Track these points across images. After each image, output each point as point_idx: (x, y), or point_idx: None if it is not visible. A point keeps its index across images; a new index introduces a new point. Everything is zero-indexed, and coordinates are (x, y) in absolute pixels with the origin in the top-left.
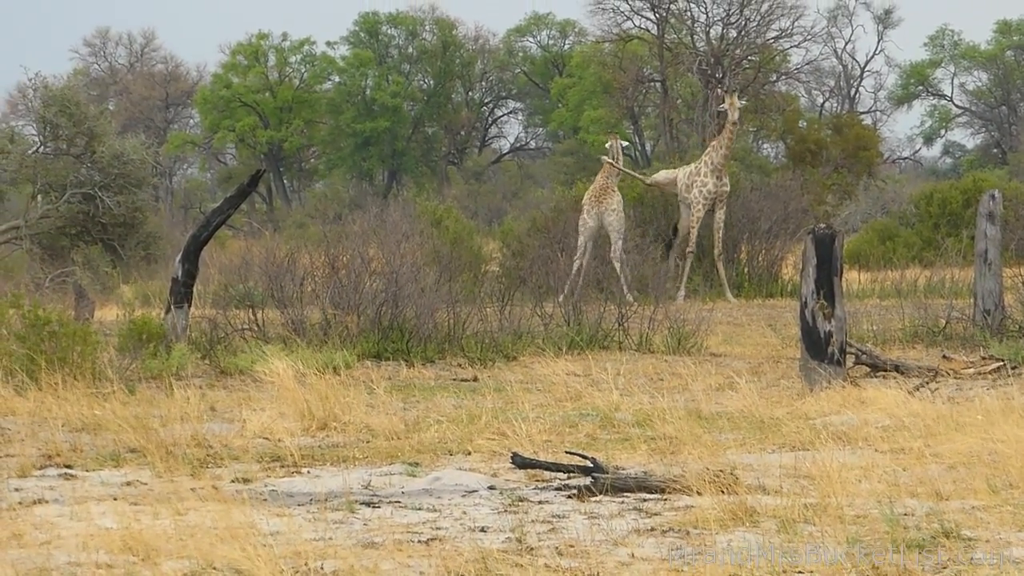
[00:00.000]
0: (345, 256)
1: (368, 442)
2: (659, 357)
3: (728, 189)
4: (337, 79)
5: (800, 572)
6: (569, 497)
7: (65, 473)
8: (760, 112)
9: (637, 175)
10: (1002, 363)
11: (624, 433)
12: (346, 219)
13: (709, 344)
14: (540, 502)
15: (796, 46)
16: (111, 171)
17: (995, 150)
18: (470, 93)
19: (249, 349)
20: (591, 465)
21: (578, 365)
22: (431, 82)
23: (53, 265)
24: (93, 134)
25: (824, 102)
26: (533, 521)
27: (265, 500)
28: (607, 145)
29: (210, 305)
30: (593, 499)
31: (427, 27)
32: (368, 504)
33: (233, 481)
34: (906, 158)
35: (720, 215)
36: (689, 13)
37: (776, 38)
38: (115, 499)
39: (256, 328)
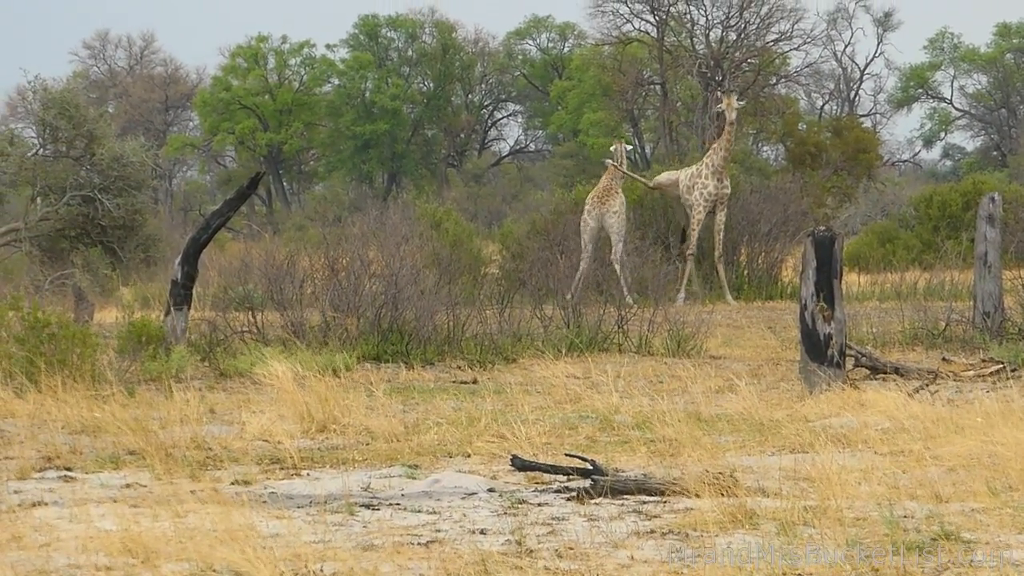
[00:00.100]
0: (345, 258)
1: (367, 444)
2: (659, 359)
3: (729, 191)
4: (337, 82)
5: (800, 574)
6: (569, 499)
7: (65, 475)
8: (760, 115)
9: (640, 178)
10: (1002, 365)
11: (624, 435)
12: (346, 221)
13: (709, 346)
14: (540, 504)
15: (796, 49)
16: (111, 173)
17: (995, 153)
18: (470, 96)
19: (248, 351)
20: (591, 467)
21: (578, 367)
22: (431, 85)
23: (52, 267)
24: (93, 136)
25: (824, 105)
26: (533, 523)
27: (264, 502)
28: (611, 149)
29: (209, 307)
30: (593, 501)
31: (427, 30)
32: (367, 506)
33: (233, 483)
34: (906, 161)
35: (721, 217)
36: (689, 16)
37: (776, 41)
38: (115, 501)
39: (255, 330)
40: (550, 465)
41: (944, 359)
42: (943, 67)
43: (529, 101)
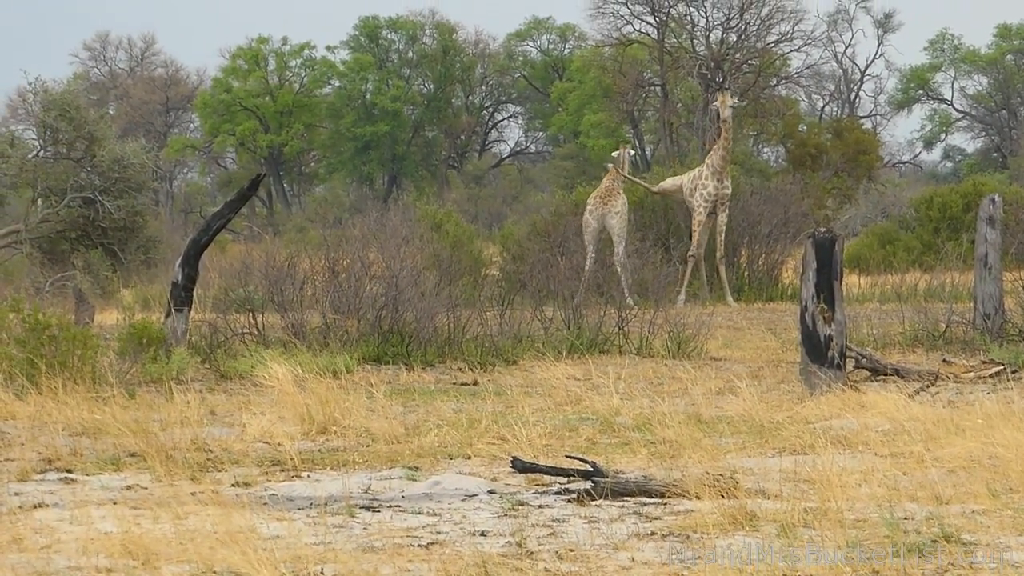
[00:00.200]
0: (345, 260)
1: (368, 446)
2: (659, 361)
3: (729, 192)
4: (337, 83)
5: None
6: (569, 501)
7: (65, 477)
8: (760, 116)
9: (643, 183)
10: (1002, 367)
11: (624, 437)
12: (346, 223)
13: (709, 348)
14: (540, 506)
15: (796, 50)
16: (111, 175)
17: (995, 154)
18: (470, 97)
19: (249, 353)
20: (591, 469)
21: (578, 369)
22: (431, 86)
23: (53, 269)
24: (93, 138)
25: (824, 106)
26: (533, 525)
27: (265, 504)
28: (614, 154)
29: (210, 309)
30: (593, 503)
31: (427, 31)
32: (368, 508)
33: (233, 485)
34: (906, 162)
35: (722, 218)
36: (689, 17)
37: (776, 42)
38: (115, 503)
39: (256, 332)
40: (550, 467)
41: (944, 361)
42: (943, 68)
43: (529, 103)
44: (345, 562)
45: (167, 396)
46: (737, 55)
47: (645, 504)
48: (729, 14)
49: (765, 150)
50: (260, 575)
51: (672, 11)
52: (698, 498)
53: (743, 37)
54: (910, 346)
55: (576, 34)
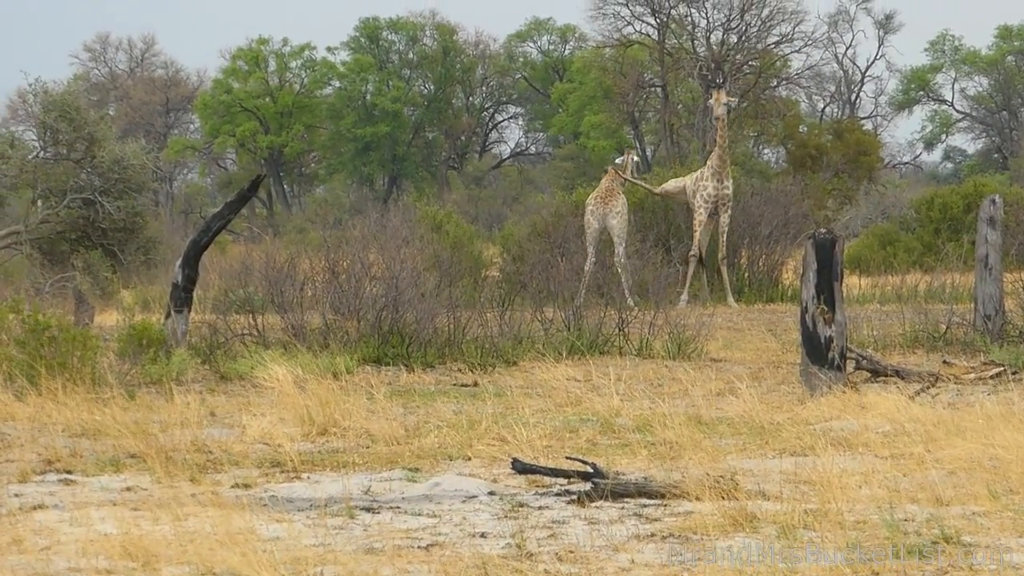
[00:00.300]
0: (345, 261)
1: (368, 447)
2: (659, 362)
3: (730, 192)
4: (338, 84)
5: None
6: (569, 503)
7: (65, 478)
8: (761, 117)
9: (646, 185)
10: (1003, 368)
11: (624, 438)
12: (346, 224)
13: (709, 349)
14: (540, 508)
15: (797, 51)
16: (111, 176)
17: (996, 155)
18: (470, 98)
19: (249, 354)
20: (591, 471)
21: (578, 370)
22: (431, 87)
23: (53, 270)
24: (93, 139)
25: (825, 107)
26: (533, 527)
27: (265, 505)
28: (619, 159)
29: (210, 310)
30: (593, 505)
31: (428, 32)
32: (368, 510)
33: (233, 486)
34: (907, 163)
35: (724, 219)
36: (690, 18)
37: (777, 43)
38: (115, 504)
39: (256, 333)
40: (551, 468)
41: (945, 362)
42: (944, 69)
43: (530, 103)
44: (345, 564)
45: (167, 397)
46: (738, 56)
47: (645, 505)
48: (730, 15)
49: (766, 151)
50: None
51: (673, 12)
52: (698, 499)
53: (744, 38)
54: (910, 347)
55: (577, 35)
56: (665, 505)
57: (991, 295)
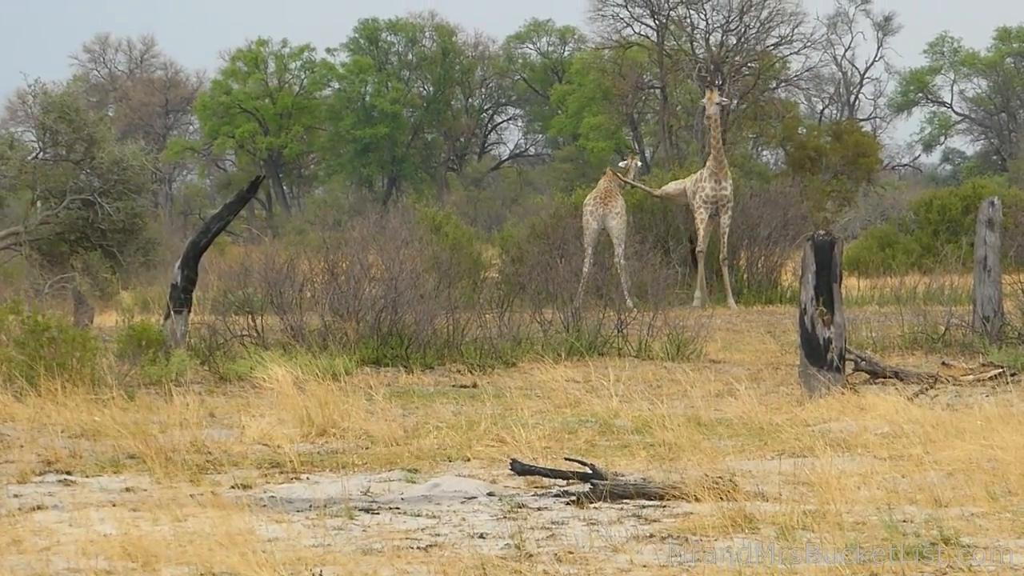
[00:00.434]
0: (344, 262)
1: (367, 448)
2: (658, 363)
3: (728, 193)
4: (337, 85)
5: None
6: (568, 504)
7: (64, 479)
8: (760, 119)
9: (646, 188)
10: (1001, 370)
11: (623, 440)
12: (345, 225)
13: (708, 350)
14: (539, 508)
15: (796, 53)
16: (110, 177)
17: (995, 157)
18: (470, 100)
19: (248, 355)
20: (590, 472)
21: (577, 371)
22: (431, 88)
23: (52, 271)
24: (92, 140)
25: (824, 109)
26: (532, 527)
27: (264, 506)
28: (622, 164)
29: (209, 311)
30: (592, 506)
31: (427, 34)
32: (367, 510)
33: (232, 487)
34: (905, 165)
35: (724, 220)
36: (689, 20)
37: (776, 45)
38: (114, 505)
39: (255, 334)
40: (550, 469)
41: (944, 363)
42: (943, 71)
43: (529, 105)
44: (344, 564)
45: (166, 398)
46: (737, 58)
47: (644, 506)
48: (729, 17)
49: (764, 153)
50: None
51: (672, 14)
52: (697, 500)
53: (743, 40)
54: (909, 349)
55: (576, 36)
56: (664, 506)
57: (990, 297)
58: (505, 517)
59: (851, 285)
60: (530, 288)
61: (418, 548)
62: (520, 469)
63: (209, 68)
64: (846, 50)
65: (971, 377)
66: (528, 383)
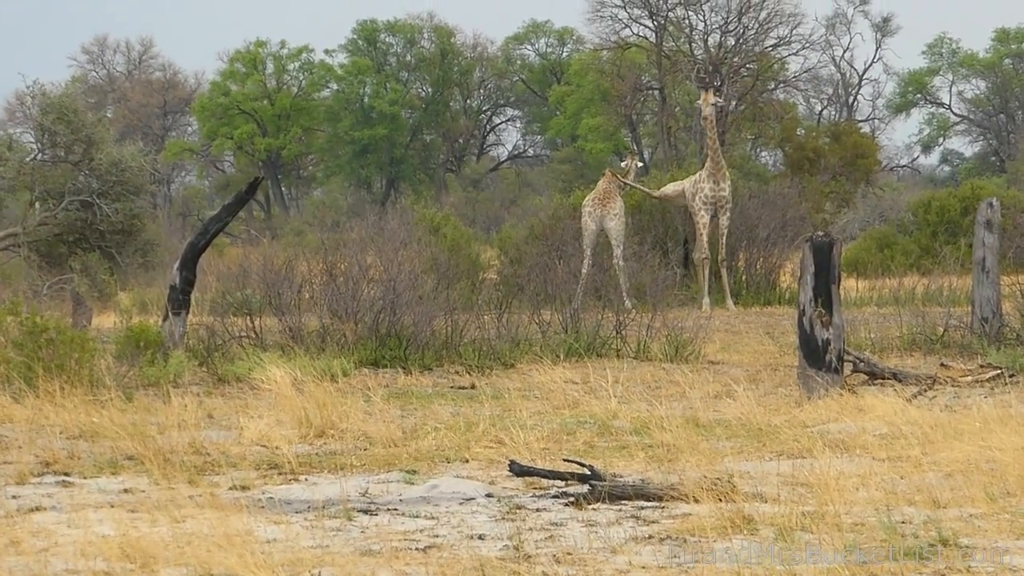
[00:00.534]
0: (343, 264)
1: (365, 450)
2: (657, 365)
3: (727, 194)
4: (335, 87)
5: None
6: (567, 505)
7: (63, 480)
8: (758, 120)
9: (644, 189)
10: (1000, 371)
11: (622, 441)
12: (344, 226)
13: (707, 352)
14: (538, 510)
15: (794, 54)
16: (109, 178)
17: (993, 158)
18: (468, 101)
19: (247, 356)
20: (589, 473)
21: (576, 373)
22: (429, 90)
23: (51, 272)
24: (91, 141)
25: (822, 110)
26: (531, 529)
27: (263, 507)
28: (622, 164)
29: (208, 312)
30: (591, 507)
31: (425, 35)
32: (366, 512)
33: (231, 488)
34: (904, 166)
35: (723, 221)
36: (687, 21)
37: (774, 46)
38: (113, 506)
39: (254, 335)
40: (548, 470)
41: (942, 365)
42: (942, 72)
43: (527, 106)
44: (342, 565)
45: (164, 399)
46: (735, 59)
47: (643, 508)
48: (727, 18)
49: (763, 154)
50: None
51: (670, 15)
52: (696, 502)
53: (741, 41)
54: (908, 350)
55: (574, 38)
56: (662, 507)
57: (988, 298)
58: (503, 518)
59: (850, 286)
60: (529, 289)
61: (416, 549)
62: (519, 470)
63: (207, 69)
64: (845, 51)
65: (969, 378)
66: (527, 384)
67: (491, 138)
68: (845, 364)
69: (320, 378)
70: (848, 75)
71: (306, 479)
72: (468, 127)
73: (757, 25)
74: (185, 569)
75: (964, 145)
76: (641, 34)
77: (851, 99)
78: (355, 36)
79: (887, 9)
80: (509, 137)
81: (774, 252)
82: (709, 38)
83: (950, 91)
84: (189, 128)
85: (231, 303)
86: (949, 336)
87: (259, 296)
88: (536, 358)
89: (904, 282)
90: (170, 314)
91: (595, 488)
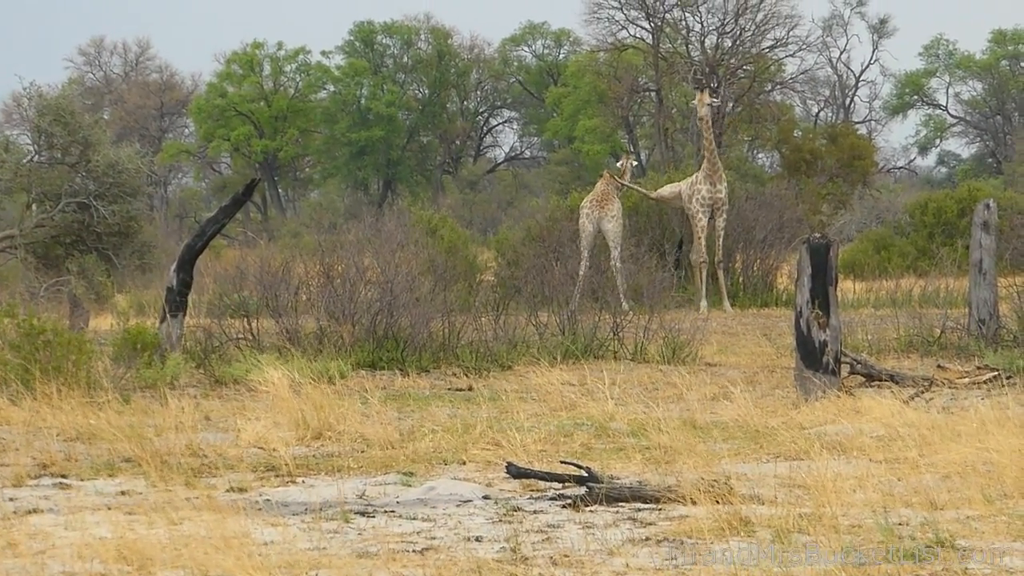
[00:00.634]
0: (340, 265)
1: (363, 452)
2: (654, 367)
3: (723, 195)
4: (332, 88)
5: None
6: (564, 507)
7: (60, 482)
8: (755, 122)
9: (642, 190)
10: (997, 373)
11: (619, 443)
12: (341, 228)
13: (704, 354)
14: (535, 512)
15: (791, 55)
16: (106, 180)
17: (990, 160)
18: (465, 102)
19: (244, 358)
20: (586, 475)
21: (573, 375)
22: (426, 91)
23: (48, 274)
24: (88, 143)
25: (819, 112)
26: (528, 531)
27: (260, 509)
28: (618, 164)
29: (205, 314)
30: (588, 509)
31: (422, 36)
32: (363, 514)
33: (228, 490)
34: (901, 167)
35: (720, 223)
36: (684, 23)
37: (771, 48)
38: (110, 508)
39: (251, 337)
40: (545, 472)
41: (939, 366)
42: (938, 74)
43: (524, 108)
44: (340, 568)
45: (162, 401)
46: (732, 60)
47: (640, 510)
48: (724, 19)
49: (760, 156)
50: None
51: (667, 16)
52: (693, 504)
53: (738, 42)
54: (905, 352)
55: (571, 39)
56: (660, 509)
57: (985, 299)
58: (501, 520)
59: (847, 288)
60: (526, 291)
61: (414, 551)
62: (516, 472)
63: (204, 71)
64: (841, 53)
65: (966, 380)
66: (524, 386)
67: (488, 140)
68: (842, 366)
69: (317, 380)
70: (845, 77)
71: (303, 481)
72: (465, 129)
73: (754, 27)
74: (182, 571)
75: (961, 147)
76: (638, 36)
77: (848, 101)
78: (352, 37)
79: (884, 11)
80: (506, 139)
81: (771, 254)
82: (706, 40)
83: (947, 92)
84: (186, 130)
85: (228, 305)
86: (946, 338)
87: (256, 298)
88: (533, 360)
89: (901, 284)
90: (167, 316)
91: (592, 490)
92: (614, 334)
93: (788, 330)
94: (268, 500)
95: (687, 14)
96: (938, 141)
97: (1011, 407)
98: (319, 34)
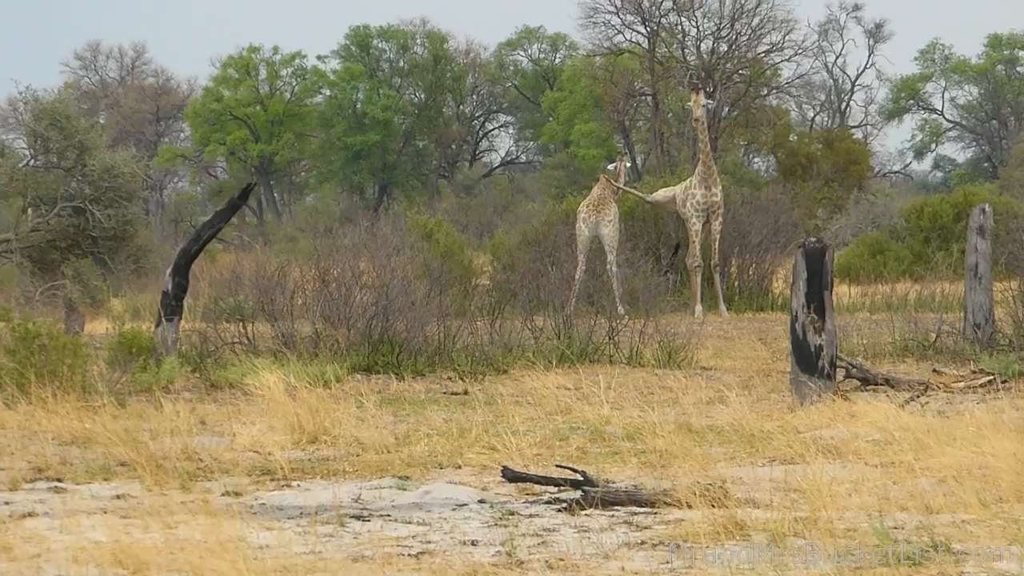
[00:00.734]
0: (336, 270)
1: (358, 456)
2: (650, 371)
3: (719, 199)
4: (328, 92)
5: None
6: (559, 511)
7: (55, 486)
8: (751, 126)
9: (637, 193)
10: (992, 377)
11: (614, 447)
12: (337, 233)
13: (699, 358)
14: (530, 516)
15: (787, 60)
16: (101, 184)
17: (986, 164)
18: (461, 107)
19: (239, 362)
20: (581, 479)
21: (569, 379)
22: (422, 96)
23: (43, 278)
24: (84, 147)
25: (815, 116)
26: (523, 535)
27: (255, 513)
28: (611, 166)
29: (200, 318)
30: (583, 513)
31: (418, 41)
32: (358, 518)
33: (223, 494)
34: (897, 172)
35: (716, 226)
36: (680, 27)
37: (767, 52)
38: (105, 512)
39: (246, 341)
40: (541, 476)
41: (935, 370)
42: (934, 78)
43: (520, 112)
44: (335, 571)
45: (157, 405)
46: (728, 65)
47: (635, 513)
48: (720, 24)
49: (755, 160)
50: None
51: (663, 21)
52: (688, 507)
53: (734, 47)
54: (900, 356)
55: (567, 44)
56: (655, 513)
57: (981, 304)
58: (496, 524)
59: (842, 292)
60: (521, 295)
61: (409, 555)
62: (511, 476)
63: (200, 75)
64: (837, 57)
65: (962, 384)
66: (519, 390)
67: (484, 144)
68: (838, 370)
69: (313, 384)
70: (841, 81)
71: (299, 485)
72: (461, 133)
73: (750, 31)
74: (177, 575)
75: (957, 151)
76: (634, 40)
77: (844, 105)
78: (348, 42)
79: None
80: (502, 143)
81: (767, 258)
82: (702, 44)
83: (942, 97)
84: (182, 134)
85: (224, 309)
86: (942, 342)
87: (252, 302)
88: (529, 364)
89: (897, 288)
90: (163, 320)
91: (588, 494)
92: (610, 338)
93: (784, 334)
94: (263, 504)
95: (683, 18)
96: (934, 146)
97: (1006, 411)
98: (315, 38)
